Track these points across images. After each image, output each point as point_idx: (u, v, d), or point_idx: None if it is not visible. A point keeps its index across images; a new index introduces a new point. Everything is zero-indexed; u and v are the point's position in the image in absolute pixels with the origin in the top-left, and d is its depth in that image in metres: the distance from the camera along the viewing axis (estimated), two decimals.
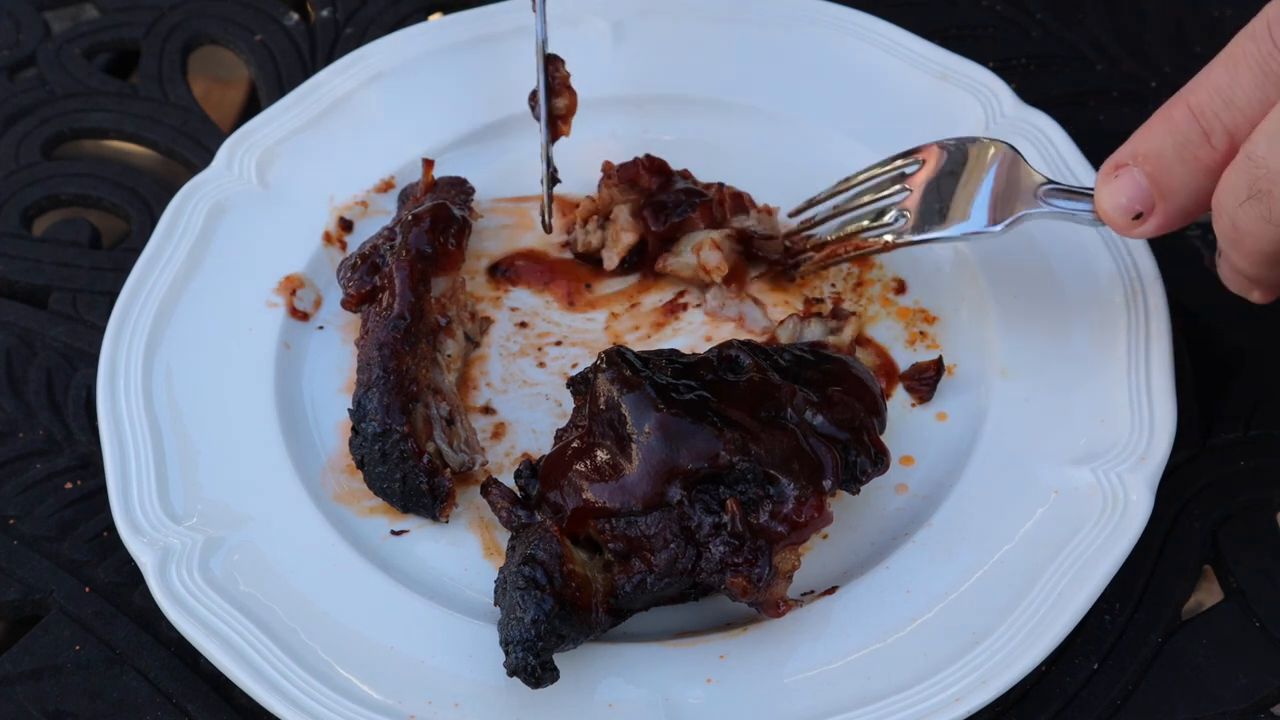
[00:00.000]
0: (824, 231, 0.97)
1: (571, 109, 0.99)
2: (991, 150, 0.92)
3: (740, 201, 1.00)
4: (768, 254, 0.98)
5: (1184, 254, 1.01)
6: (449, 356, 0.93)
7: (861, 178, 0.97)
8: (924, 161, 0.94)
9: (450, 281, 0.95)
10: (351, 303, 0.93)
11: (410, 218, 0.94)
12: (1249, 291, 0.83)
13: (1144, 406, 0.88)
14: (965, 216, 0.90)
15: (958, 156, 0.92)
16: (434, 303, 0.93)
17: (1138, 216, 0.81)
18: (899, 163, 0.95)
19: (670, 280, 1.00)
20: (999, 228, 0.88)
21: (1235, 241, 0.78)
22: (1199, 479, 0.90)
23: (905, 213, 0.92)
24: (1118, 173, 0.81)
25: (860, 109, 1.06)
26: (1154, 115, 0.80)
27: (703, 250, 0.96)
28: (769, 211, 1.01)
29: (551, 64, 0.99)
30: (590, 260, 1.01)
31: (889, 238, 0.92)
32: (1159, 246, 0.96)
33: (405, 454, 0.87)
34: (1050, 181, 0.89)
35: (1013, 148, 0.91)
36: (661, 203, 0.99)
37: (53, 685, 0.83)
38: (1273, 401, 0.94)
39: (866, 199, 0.95)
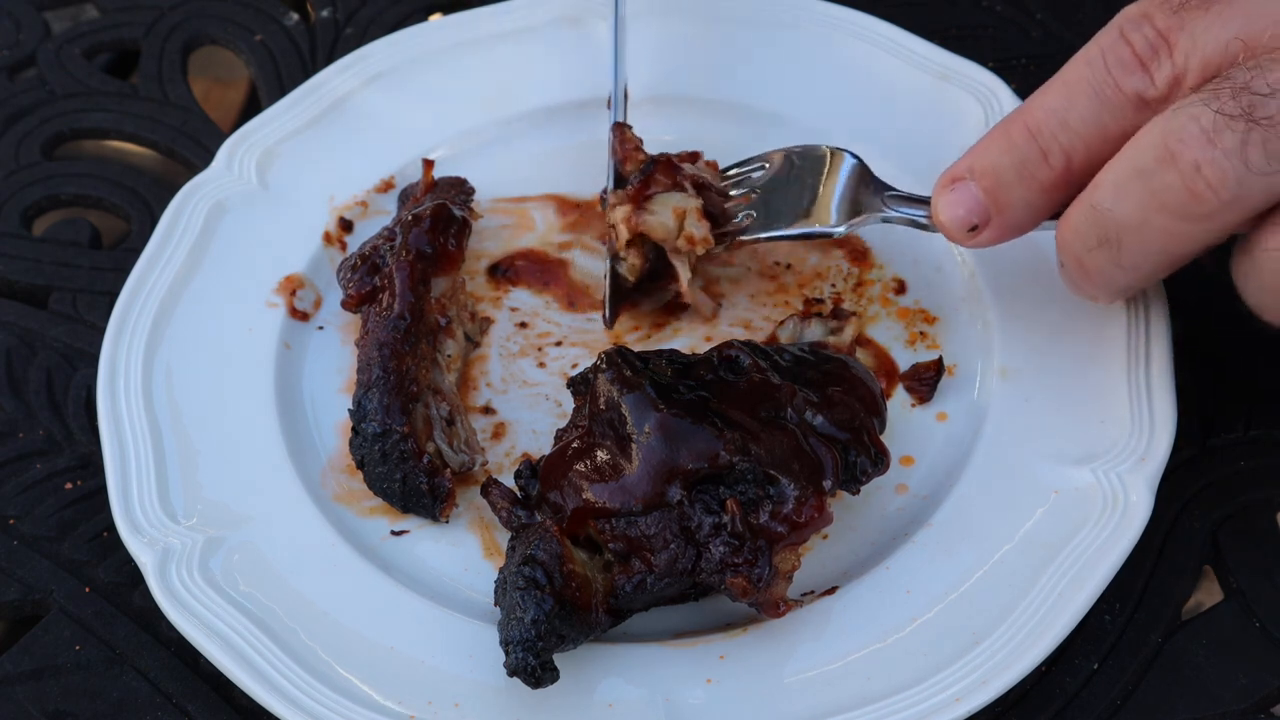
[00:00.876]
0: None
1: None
2: (839, 158, 0.94)
3: (686, 157, 0.99)
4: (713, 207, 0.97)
5: None
6: (449, 356, 0.93)
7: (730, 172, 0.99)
8: (767, 166, 0.97)
9: (450, 281, 0.95)
10: (351, 303, 0.93)
11: (410, 218, 0.94)
12: (1089, 298, 0.86)
13: (1144, 406, 0.88)
14: (811, 216, 0.93)
15: (807, 162, 0.95)
16: (434, 303, 0.93)
17: (973, 229, 0.84)
18: (748, 168, 0.98)
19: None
20: (842, 229, 0.92)
21: (1083, 276, 0.82)
22: (1199, 479, 0.90)
23: (751, 211, 0.95)
24: (954, 185, 0.84)
25: (860, 109, 1.06)
26: (991, 131, 0.83)
27: (687, 220, 0.94)
28: (713, 166, 1.00)
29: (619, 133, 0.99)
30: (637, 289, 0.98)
31: (742, 236, 0.95)
32: None
33: (405, 454, 0.87)
34: (893, 189, 0.92)
35: (857, 157, 0.94)
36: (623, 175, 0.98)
37: (53, 685, 0.83)
38: (1272, 402, 0.94)
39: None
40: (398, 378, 0.88)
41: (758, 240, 0.95)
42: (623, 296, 0.98)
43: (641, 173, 0.95)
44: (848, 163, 0.94)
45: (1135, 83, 0.78)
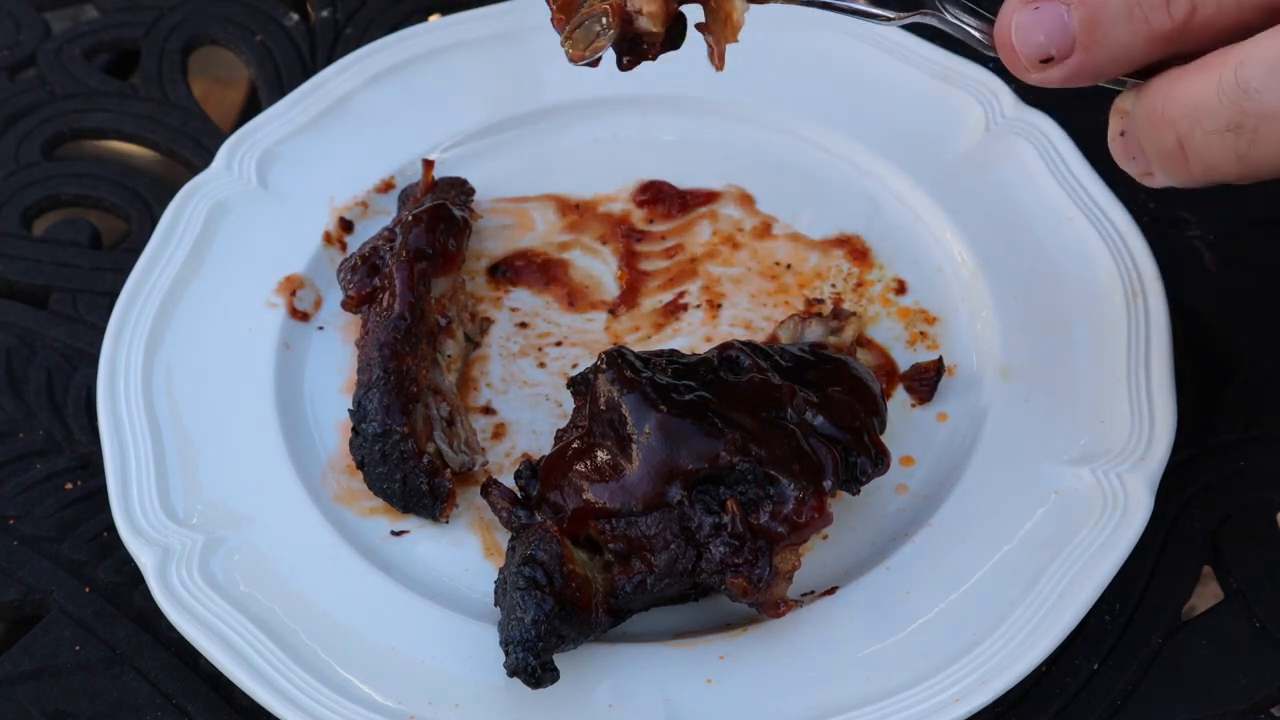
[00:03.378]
0: None
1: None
2: None
3: None
4: None
5: (1184, 254, 1.01)
6: (449, 357, 0.93)
7: None
8: None
9: (450, 282, 0.95)
10: (352, 304, 0.93)
11: (410, 218, 0.94)
12: (1142, 178, 0.74)
13: (1144, 406, 0.88)
14: None
15: None
16: (434, 303, 0.93)
17: (1047, 60, 0.71)
18: None
19: (670, 281, 1.00)
20: (893, 16, 0.77)
21: (1176, 159, 0.70)
22: (1199, 479, 0.90)
23: None
24: (1039, 4, 0.70)
25: (860, 109, 1.06)
26: None
27: None
28: None
29: None
30: (628, 44, 0.79)
31: None
32: (1159, 247, 0.96)
33: (405, 454, 0.87)
34: None
35: None
36: None
37: (53, 685, 0.83)
38: (1272, 402, 0.94)
39: None
40: (398, 378, 0.88)
41: (805, 3, 0.79)
42: (639, 54, 0.79)
43: None
44: None
45: None
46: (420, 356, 0.91)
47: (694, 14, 0.79)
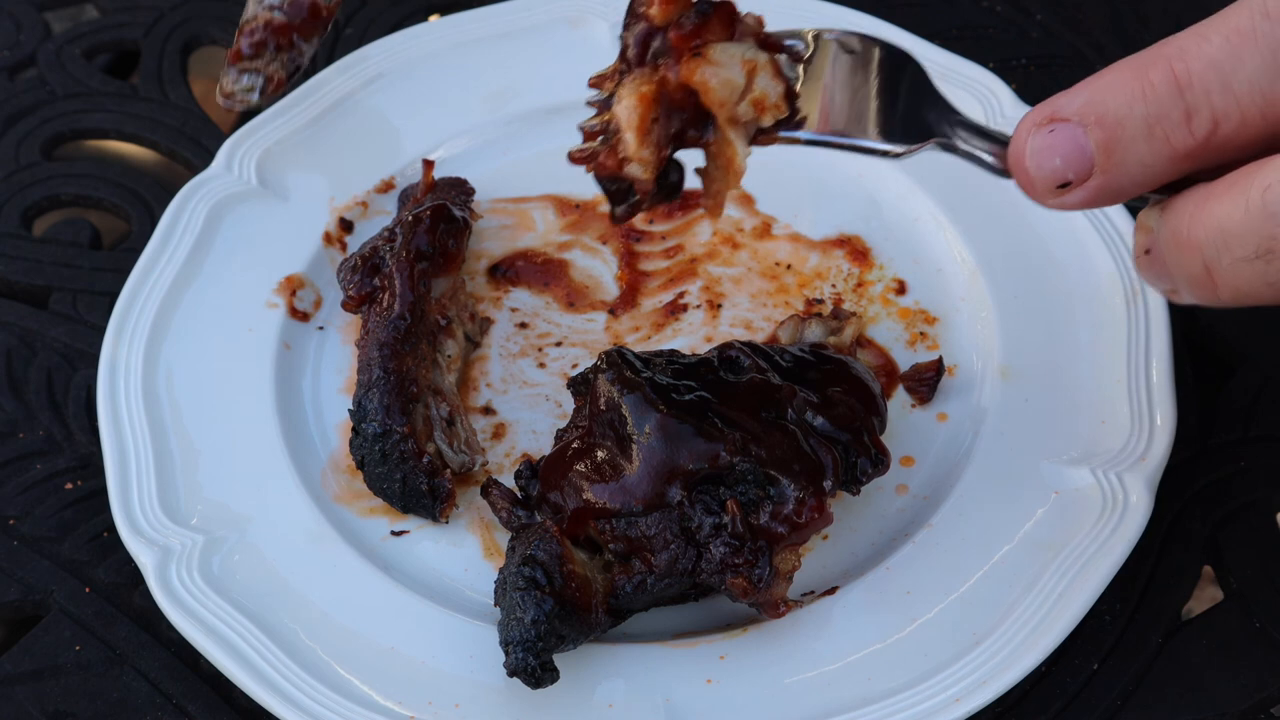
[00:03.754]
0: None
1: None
2: (898, 59, 0.76)
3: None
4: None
5: None
6: (449, 357, 0.93)
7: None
8: (804, 49, 0.76)
9: (450, 282, 0.95)
10: (352, 304, 0.93)
11: (410, 218, 0.94)
12: (1168, 295, 0.71)
13: (1144, 406, 0.88)
14: (867, 126, 0.74)
15: (858, 57, 0.76)
16: (434, 303, 0.93)
17: (1065, 184, 0.67)
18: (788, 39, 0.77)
19: (670, 281, 1.00)
20: (902, 150, 0.74)
21: (1203, 284, 0.66)
22: (1199, 479, 0.90)
23: (799, 105, 0.76)
24: (1055, 126, 0.67)
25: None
26: (1120, 68, 0.66)
27: (759, 77, 0.72)
28: (760, 22, 0.77)
29: None
30: (621, 194, 0.76)
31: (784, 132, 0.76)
32: None
33: (405, 454, 0.87)
34: (959, 113, 0.75)
35: (919, 64, 0.77)
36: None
37: (53, 685, 0.83)
38: (1272, 402, 0.94)
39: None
40: (398, 378, 0.88)
41: (807, 142, 0.76)
42: (633, 205, 0.75)
43: (697, 12, 0.71)
44: (909, 68, 0.76)
45: None
46: (420, 356, 0.90)
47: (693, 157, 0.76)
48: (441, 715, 0.78)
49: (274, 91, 0.96)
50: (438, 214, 0.94)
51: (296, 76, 0.99)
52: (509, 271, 1.01)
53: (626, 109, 0.71)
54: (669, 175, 0.75)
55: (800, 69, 0.75)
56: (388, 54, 1.10)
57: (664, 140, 0.72)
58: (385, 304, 0.91)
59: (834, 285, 0.99)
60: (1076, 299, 0.95)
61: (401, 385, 0.88)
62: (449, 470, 0.88)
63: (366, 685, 0.79)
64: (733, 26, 0.72)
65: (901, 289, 0.99)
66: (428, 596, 0.84)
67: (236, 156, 1.03)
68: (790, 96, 0.73)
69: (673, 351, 0.86)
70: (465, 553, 0.87)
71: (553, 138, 1.06)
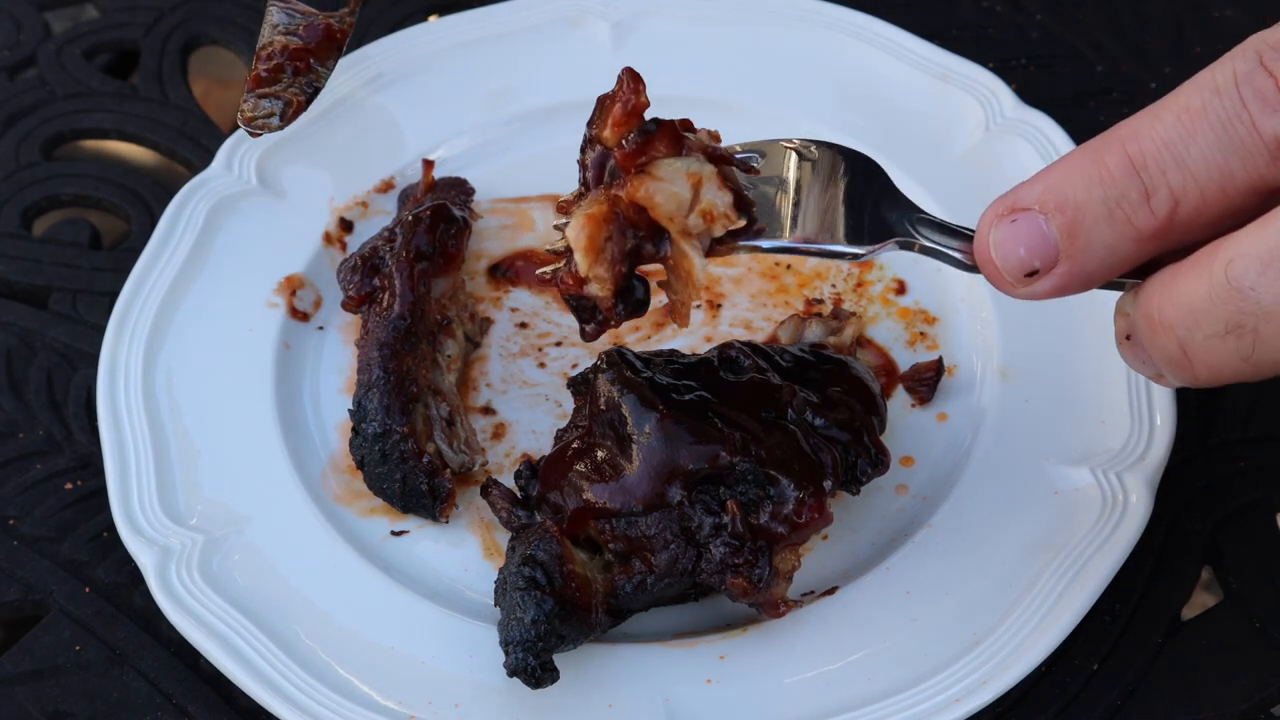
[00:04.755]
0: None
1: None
2: (859, 163, 0.78)
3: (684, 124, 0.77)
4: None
5: None
6: (449, 357, 0.93)
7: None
8: (763, 160, 0.78)
9: (450, 282, 0.95)
10: (352, 304, 0.93)
11: (410, 218, 0.94)
12: (1155, 379, 0.71)
13: (1144, 407, 0.88)
14: (828, 230, 0.75)
15: (819, 163, 0.78)
16: (434, 303, 0.93)
17: (1032, 273, 0.68)
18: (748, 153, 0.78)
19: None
20: (864, 251, 0.74)
21: (1182, 365, 0.66)
22: (1199, 479, 0.90)
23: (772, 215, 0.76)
24: (1015, 216, 0.67)
25: (860, 110, 1.06)
26: (1075, 155, 0.67)
27: (705, 188, 0.73)
28: (715, 137, 0.78)
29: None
30: (586, 311, 0.77)
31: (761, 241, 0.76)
32: None
33: (405, 455, 0.87)
34: (921, 211, 0.76)
35: (877, 165, 0.79)
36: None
37: (53, 685, 0.83)
38: (1273, 401, 0.94)
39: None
40: (398, 378, 0.88)
41: (769, 250, 0.76)
42: (600, 323, 0.77)
43: (640, 133, 0.73)
44: (869, 171, 0.78)
45: (1278, 124, 0.62)
46: (420, 356, 0.90)
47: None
48: (441, 715, 0.78)
49: (294, 115, 0.96)
50: (438, 214, 0.94)
51: (314, 98, 0.99)
52: (509, 271, 1.01)
53: (574, 230, 0.73)
54: (633, 292, 0.76)
55: (750, 178, 0.76)
56: (388, 54, 1.10)
57: (618, 257, 0.74)
58: (385, 304, 0.91)
59: (834, 285, 0.99)
60: (1076, 299, 0.94)
61: (401, 385, 0.88)
62: (449, 470, 0.88)
63: (366, 685, 0.79)
64: (679, 142, 0.73)
65: (901, 289, 0.99)
66: (428, 596, 0.84)
67: (236, 156, 1.03)
68: (742, 205, 0.74)
69: (673, 351, 0.86)
70: (465, 553, 0.87)
71: (553, 138, 1.06)
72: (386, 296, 0.92)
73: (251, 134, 0.96)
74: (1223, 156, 0.63)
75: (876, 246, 0.75)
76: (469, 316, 0.97)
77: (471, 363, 0.96)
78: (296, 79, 0.98)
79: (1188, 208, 0.64)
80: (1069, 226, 0.66)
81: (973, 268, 0.72)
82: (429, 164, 1.01)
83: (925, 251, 0.75)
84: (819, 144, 0.78)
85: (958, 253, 0.73)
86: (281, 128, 0.96)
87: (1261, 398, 0.94)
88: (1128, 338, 0.69)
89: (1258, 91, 0.63)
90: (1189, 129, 0.64)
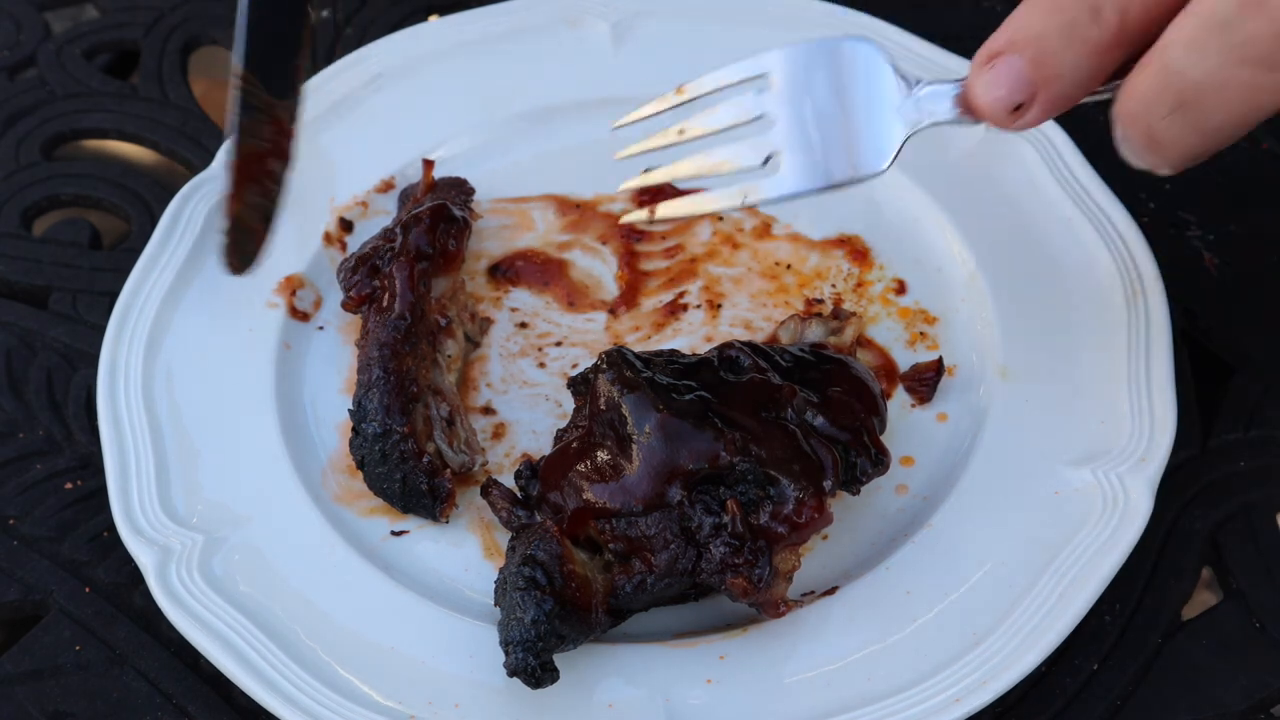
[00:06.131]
0: (665, 174, 0.82)
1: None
2: (860, 57, 0.79)
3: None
4: None
5: (1184, 254, 1.01)
6: (449, 357, 0.93)
7: (705, 96, 0.81)
8: (771, 77, 0.79)
9: (450, 282, 0.95)
10: (352, 305, 0.93)
11: (410, 218, 0.94)
12: (1155, 169, 0.78)
13: (1144, 407, 0.88)
14: (851, 154, 0.77)
15: (816, 66, 0.79)
16: (434, 303, 0.93)
17: (1018, 108, 0.75)
18: (741, 80, 0.80)
19: (670, 281, 1.00)
20: (886, 165, 0.77)
21: (1155, 148, 0.74)
22: (1199, 479, 0.90)
23: (776, 154, 0.78)
24: (993, 62, 0.75)
25: None
26: None
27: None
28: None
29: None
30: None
31: (751, 197, 0.78)
32: (1159, 247, 0.96)
33: (405, 454, 0.87)
34: (920, 79, 0.79)
35: (877, 48, 0.79)
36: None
37: (53, 685, 0.83)
38: (1273, 402, 0.94)
39: (718, 132, 0.80)
40: (398, 378, 0.88)
41: (797, 196, 0.78)
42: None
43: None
44: (873, 63, 0.78)
45: None
46: (420, 356, 0.90)
47: None
48: (441, 715, 0.78)
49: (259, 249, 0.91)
50: (437, 214, 0.94)
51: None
52: (509, 271, 1.01)
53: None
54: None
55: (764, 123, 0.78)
56: (388, 54, 1.10)
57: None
58: (385, 304, 0.91)
59: (834, 285, 0.99)
60: (1076, 299, 0.95)
61: (401, 385, 0.88)
62: (449, 470, 0.88)
63: (366, 685, 0.79)
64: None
65: (901, 289, 0.99)
66: (428, 596, 0.84)
67: None
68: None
69: (673, 351, 0.86)
70: (465, 553, 0.87)
71: (553, 138, 1.06)
72: (386, 297, 0.92)
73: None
74: None
75: (895, 154, 0.78)
76: (469, 316, 0.97)
77: (471, 363, 0.96)
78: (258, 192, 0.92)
79: (1135, 14, 0.72)
80: (1036, 59, 0.74)
81: (973, 119, 0.77)
82: (429, 164, 1.01)
83: (935, 124, 0.78)
84: (813, 49, 0.79)
85: (957, 114, 0.78)
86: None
87: (1262, 398, 0.94)
88: (1123, 139, 0.76)
89: None
90: None
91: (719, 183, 0.80)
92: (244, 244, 0.88)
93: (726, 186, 0.79)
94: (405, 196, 1.02)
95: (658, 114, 0.84)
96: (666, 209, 0.82)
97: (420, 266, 0.92)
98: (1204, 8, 0.70)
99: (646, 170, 0.82)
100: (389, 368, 0.89)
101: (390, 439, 0.87)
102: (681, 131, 0.82)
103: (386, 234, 0.95)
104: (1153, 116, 0.72)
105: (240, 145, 0.88)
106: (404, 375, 0.89)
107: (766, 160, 0.78)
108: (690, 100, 0.82)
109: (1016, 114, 0.76)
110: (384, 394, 0.88)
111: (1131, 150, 0.76)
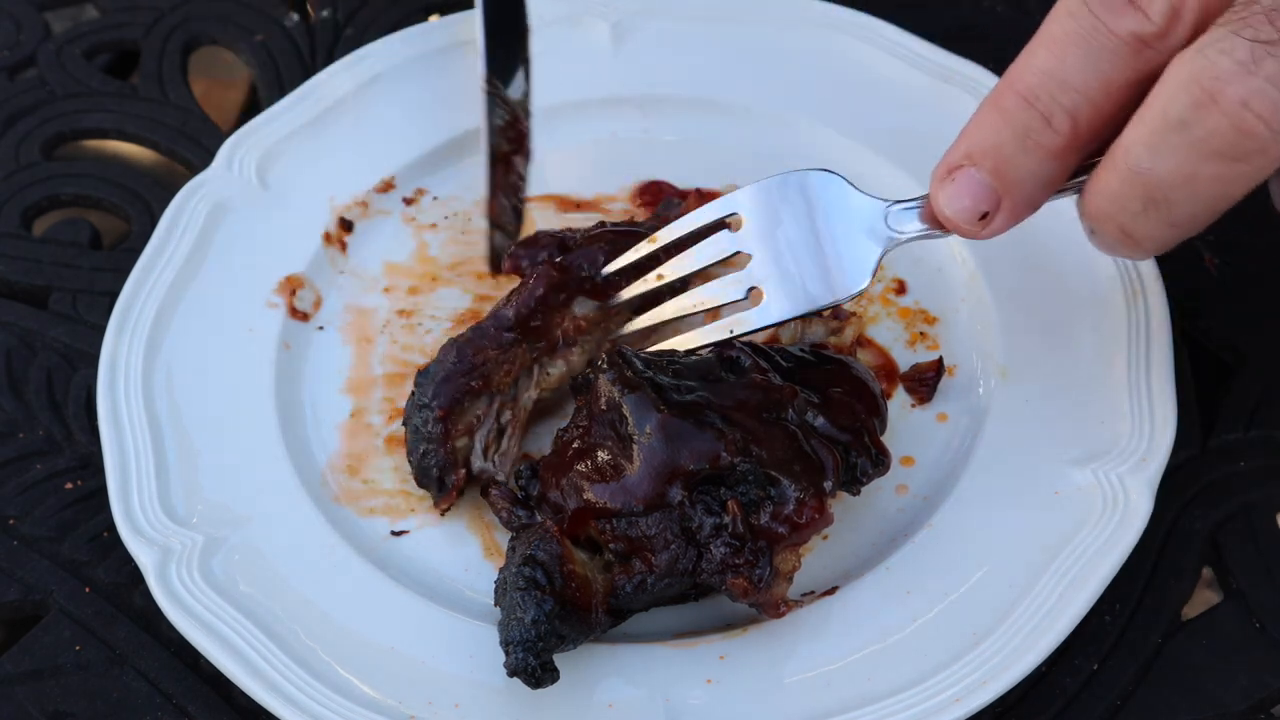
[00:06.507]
0: (662, 314, 0.88)
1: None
2: (824, 187, 0.83)
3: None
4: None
5: (1184, 254, 1.01)
6: (548, 375, 0.90)
7: (681, 243, 0.87)
8: (740, 213, 0.84)
9: (599, 308, 0.90)
10: (503, 269, 0.92)
11: (603, 232, 0.91)
12: (1130, 258, 0.82)
13: (1144, 407, 0.88)
14: (830, 279, 0.82)
15: (784, 199, 0.83)
16: (569, 319, 0.89)
17: (984, 216, 0.78)
18: (714, 217, 0.85)
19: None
20: (866, 283, 0.82)
21: (1129, 243, 0.77)
22: (1199, 479, 0.90)
23: (757, 287, 0.84)
24: (953, 175, 0.78)
25: (860, 110, 1.06)
26: (979, 110, 0.77)
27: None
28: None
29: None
30: None
31: (738, 329, 0.84)
32: None
33: (432, 436, 0.86)
34: (887, 202, 0.83)
35: (841, 176, 0.84)
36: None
37: (53, 685, 0.83)
38: (1273, 401, 0.94)
39: (696, 269, 0.86)
40: (469, 367, 0.87)
41: (784, 323, 0.84)
42: None
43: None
44: (838, 191, 0.83)
45: (1128, 23, 0.73)
46: (511, 360, 0.88)
47: None
48: (441, 715, 0.78)
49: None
50: (619, 238, 0.90)
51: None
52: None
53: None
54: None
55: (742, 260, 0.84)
56: (388, 54, 1.10)
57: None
58: (519, 293, 0.88)
59: None
60: (1076, 299, 0.95)
61: (468, 374, 0.87)
62: (464, 471, 0.87)
63: (366, 685, 0.79)
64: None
65: (901, 289, 0.99)
66: (428, 596, 0.84)
67: (236, 156, 1.03)
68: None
69: (673, 351, 0.86)
70: (465, 553, 0.87)
71: (553, 138, 1.06)
72: (525, 285, 0.89)
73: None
74: (1095, 66, 0.73)
75: (874, 272, 0.82)
76: (596, 346, 0.92)
77: None
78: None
79: (1085, 118, 0.74)
80: (995, 168, 0.76)
81: (944, 232, 0.80)
82: (697, 195, 1.00)
83: (907, 241, 0.82)
84: (779, 183, 0.84)
85: (928, 226, 0.81)
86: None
87: (1262, 398, 0.94)
88: (1092, 232, 0.79)
89: (1102, 2, 0.73)
90: (1060, 54, 0.74)
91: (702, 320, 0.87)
92: (500, 243, 0.94)
93: (714, 322, 0.86)
94: (669, 206, 1.00)
95: (642, 258, 0.88)
96: (662, 346, 0.87)
97: (564, 279, 0.88)
98: (1158, 109, 0.71)
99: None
100: (465, 354, 0.88)
101: (425, 414, 0.87)
102: (660, 276, 0.88)
103: (594, 232, 0.92)
104: (1124, 215, 0.74)
105: (493, 148, 0.95)
106: (477, 368, 0.87)
107: (749, 293, 0.84)
108: (669, 244, 0.87)
109: (983, 222, 0.78)
110: (446, 373, 0.87)
111: (1105, 245, 0.79)
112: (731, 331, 0.85)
